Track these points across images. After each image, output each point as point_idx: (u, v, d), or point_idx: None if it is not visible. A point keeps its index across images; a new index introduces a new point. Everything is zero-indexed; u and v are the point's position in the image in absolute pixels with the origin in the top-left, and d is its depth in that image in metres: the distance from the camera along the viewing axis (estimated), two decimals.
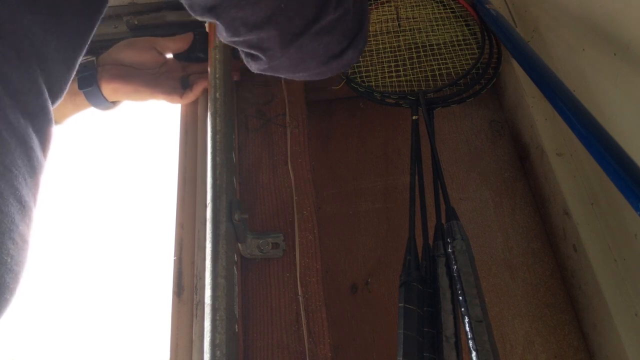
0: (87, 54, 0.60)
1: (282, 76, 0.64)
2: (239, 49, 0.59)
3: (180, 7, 0.94)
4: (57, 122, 0.78)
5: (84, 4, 0.53)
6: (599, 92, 0.77)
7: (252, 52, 0.57)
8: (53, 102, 0.53)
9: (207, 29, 0.88)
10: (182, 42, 0.90)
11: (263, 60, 0.57)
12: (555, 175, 0.84)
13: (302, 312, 0.71)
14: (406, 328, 0.61)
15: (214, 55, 0.82)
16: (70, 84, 0.76)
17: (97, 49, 0.86)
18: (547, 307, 0.81)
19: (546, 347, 0.78)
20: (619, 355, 0.71)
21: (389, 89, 0.88)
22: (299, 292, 0.73)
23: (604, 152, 0.58)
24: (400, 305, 0.64)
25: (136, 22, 0.93)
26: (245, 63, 0.62)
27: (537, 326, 0.80)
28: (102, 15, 0.57)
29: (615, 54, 0.72)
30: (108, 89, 0.82)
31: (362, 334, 0.80)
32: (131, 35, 0.92)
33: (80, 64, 0.80)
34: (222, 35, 0.56)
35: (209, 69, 0.81)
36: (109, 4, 0.86)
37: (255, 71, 0.62)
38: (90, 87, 0.82)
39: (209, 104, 0.78)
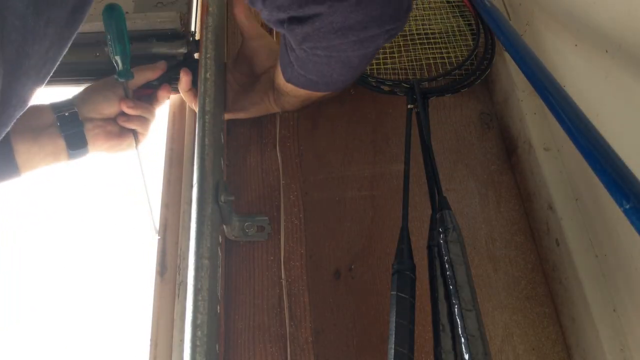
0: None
1: (341, 44, 0.59)
2: (288, 15, 0.56)
3: (168, 39, 0.85)
4: (25, 171, 0.73)
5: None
6: (589, 88, 0.77)
7: (305, 11, 0.53)
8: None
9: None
10: (152, 71, 0.83)
11: (322, 14, 0.53)
12: (541, 169, 0.85)
13: (285, 296, 0.72)
14: (399, 316, 0.62)
15: (205, 34, 0.81)
16: (56, 138, 0.74)
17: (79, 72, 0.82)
18: (528, 299, 0.82)
19: (525, 339, 0.79)
20: (596, 350, 0.72)
21: (384, 76, 0.88)
22: (282, 276, 0.73)
23: (591, 149, 0.58)
24: (392, 293, 0.64)
25: None
26: (290, 35, 0.59)
27: (516, 318, 0.81)
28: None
29: (607, 51, 0.72)
30: (94, 148, 0.79)
31: (343, 320, 0.80)
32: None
33: (63, 115, 0.74)
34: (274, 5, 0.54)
35: (200, 49, 0.80)
36: (89, 31, 0.81)
37: (301, 43, 0.59)
38: (80, 148, 0.77)
39: (198, 84, 0.77)
